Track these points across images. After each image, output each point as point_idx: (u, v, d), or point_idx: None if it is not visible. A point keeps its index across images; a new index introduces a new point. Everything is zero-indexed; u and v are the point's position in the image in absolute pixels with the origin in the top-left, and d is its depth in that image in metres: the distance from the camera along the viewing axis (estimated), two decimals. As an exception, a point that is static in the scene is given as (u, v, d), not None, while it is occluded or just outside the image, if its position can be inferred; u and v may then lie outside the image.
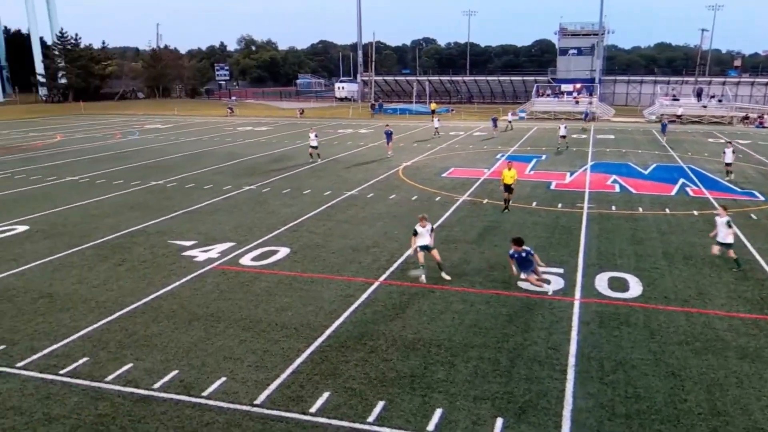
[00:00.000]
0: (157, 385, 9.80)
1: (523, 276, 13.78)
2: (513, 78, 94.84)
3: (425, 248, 14.67)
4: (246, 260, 16.04)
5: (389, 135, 36.09)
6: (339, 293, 13.73)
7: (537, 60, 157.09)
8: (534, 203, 22.85)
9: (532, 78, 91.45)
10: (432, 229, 14.89)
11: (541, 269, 14.17)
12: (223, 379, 10.00)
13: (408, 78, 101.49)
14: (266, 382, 9.88)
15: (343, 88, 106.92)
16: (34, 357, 10.77)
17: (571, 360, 10.62)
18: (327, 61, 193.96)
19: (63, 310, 12.84)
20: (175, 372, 10.22)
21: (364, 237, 18.27)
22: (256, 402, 9.32)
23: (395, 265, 15.65)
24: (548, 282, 14.17)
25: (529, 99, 78.75)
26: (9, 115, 73.78)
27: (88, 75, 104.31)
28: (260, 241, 17.86)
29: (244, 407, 9.19)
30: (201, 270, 15.29)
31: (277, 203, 22.97)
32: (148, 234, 18.75)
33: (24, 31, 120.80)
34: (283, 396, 9.49)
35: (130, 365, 10.46)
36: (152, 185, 26.78)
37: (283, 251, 16.84)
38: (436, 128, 48.03)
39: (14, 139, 47.53)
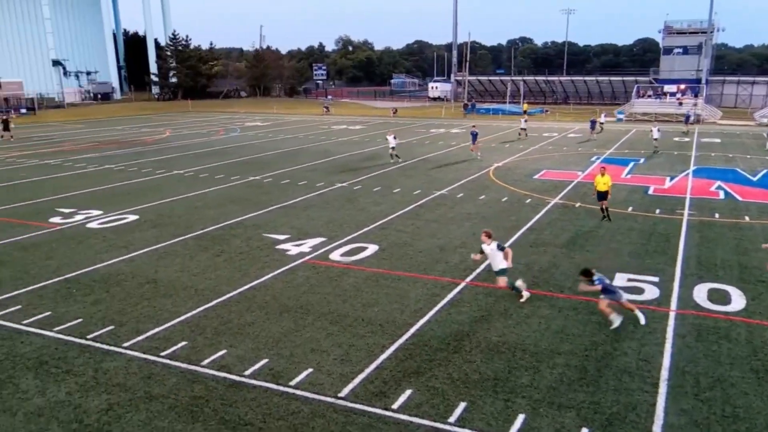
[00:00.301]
0: (247, 372, 10.16)
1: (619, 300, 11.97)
2: (612, 78, 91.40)
3: (501, 273, 13.13)
4: (336, 255, 16.33)
5: (475, 136, 35.65)
6: (425, 292, 13.72)
7: (638, 59, 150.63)
8: (630, 208, 21.95)
9: (632, 78, 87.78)
10: (502, 247, 13.17)
11: (634, 276, 13.55)
12: (310, 370, 10.24)
13: (502, 78, 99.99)
14: (350, 376, 10.03)
15: (436, 87, 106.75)
16: (139, 338, 11.43)
17: (664, 373, 10.13)
18: (421, 61, 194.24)
19: (166, 296, 13.55)
20: (265, 360, 10.56)
21: (452, 237, 18.17)
22: (340, 394, 9.48)
23: (482, 266, 15.46)
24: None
25: (628, 100, 75.64)
26: (125, 111, 78.64)
27: (196, 74, 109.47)
28: (350, 237, 18.15)
29: (329, 399, 9.37)
30: (293, 263, 15.71)
31: (367, 201, 23.25)
32: (246, 227, 19.46)
33: (141, 33, 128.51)
34: (366, 391, 9.60)
35: (224, 351, 10.90)
36: (251, 180, 27.78)
37: (372, 248, 17.02)
38: (523, 129, 46.97)
39: (128, 134, 50.60)
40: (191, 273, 15.06)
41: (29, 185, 27.03)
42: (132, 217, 20.77)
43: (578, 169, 30.73)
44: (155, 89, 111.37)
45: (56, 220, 20.49)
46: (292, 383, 9.81)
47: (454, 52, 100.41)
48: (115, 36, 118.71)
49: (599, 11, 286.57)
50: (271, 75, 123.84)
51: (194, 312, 12.64)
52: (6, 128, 46.73)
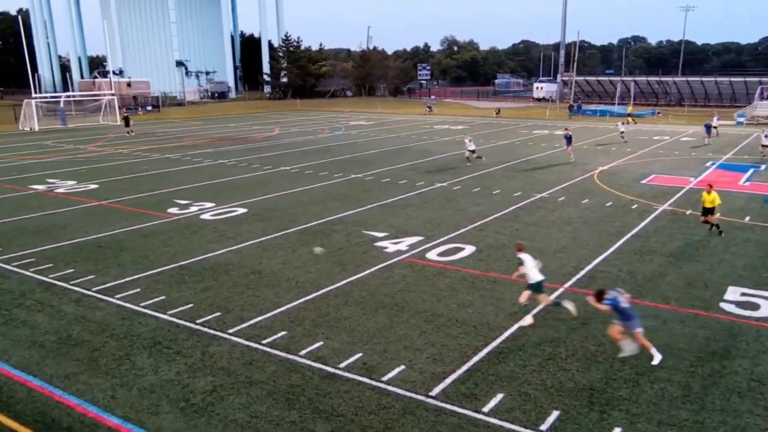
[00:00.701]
0: (342, 365, 10.36)
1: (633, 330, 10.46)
2: (733, 79, 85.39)
3: (537, 287, 12.04)
4: (432, 255, 16.32)
5: (569, 139, 34.27)
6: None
7: (763, 59, 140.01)
8: (747, 218, 20.46)
9: (755, 79, 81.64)
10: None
11: (749, 291, 12.61)
12: (402, 367, 10.30)
13: (611, 78, 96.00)
14: (442, 376, 9.99)
15: (541, 88, 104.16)
16: (243, 326, 11.94)
17: (778, 396, 9.38)
18: (527, 61, 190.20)
19: (268, 287, 14.07)
20: (359, 355, 10.73)
21: (552, 241, 17.68)
22: (431, 393, 9.47)
23: (582, 272, 14.95)
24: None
25: (750, 102, 70.46)
26: (238, 110, 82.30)
27: (305, 74, 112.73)
28: (447, 237, 18.07)
29: (420, 397, 9.38)
30: (390, 261, 15.85)
31: (466, 201, 23.06)
32: (346, 223, 19.84)
33: (256, 35, 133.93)
34: (457, 391, 9.53)
35: (320, 343, 11.18)
36: (352, 178, 28.28)
37: (469, 249, 16.87)
38: (621, 132, 44.75)
39: (241, 131, 52.91)
40: (293, 266, 15.54)
41: (151, 177, 28.88)
42: (241, 210, 21.71)
43: (691, 175, 28.99)
44: (267, 88, 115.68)
45: (173, 210, 21.77)
46: (385, 379, 9.91)
47: (562, 52, 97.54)
48: (232, 38, 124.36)
49: (721, 8, 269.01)
50: (376, 75, 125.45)
51: (294, 303, 13.04)
52: (127, 124, 50.36)
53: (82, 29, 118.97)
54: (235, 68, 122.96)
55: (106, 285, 14.16)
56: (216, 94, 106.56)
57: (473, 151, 32.71)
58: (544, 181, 27.32)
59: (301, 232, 18.82)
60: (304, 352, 10.84)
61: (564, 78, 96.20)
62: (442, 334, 11.57)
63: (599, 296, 10.65)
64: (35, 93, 58.93)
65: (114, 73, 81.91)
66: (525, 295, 12.10)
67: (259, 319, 12.26)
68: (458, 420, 8.78)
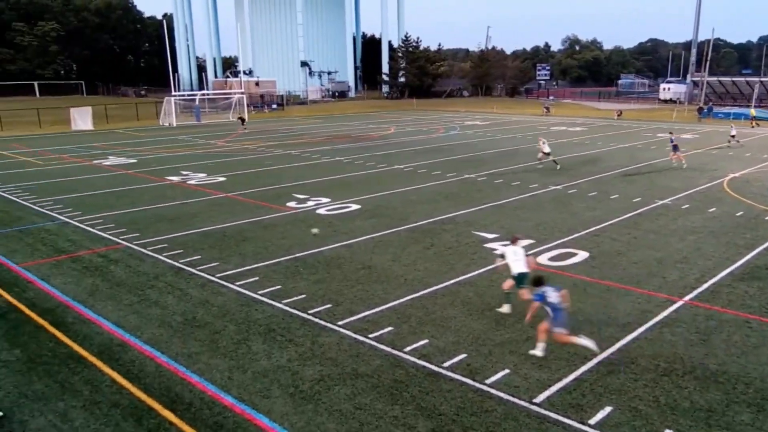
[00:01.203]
0: (446, 364, 10.33)
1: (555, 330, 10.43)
2: None
3: (519, 280, 11.99)
4: (543, 259, 15.87)
5: (675, 146, 31.65)
6: (636, 307, 12.76)
7: None
8: None
9: None
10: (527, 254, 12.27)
11: None
12: (507, 371, 10.10)
13: (748, 79, 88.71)
14: (548, 383, 9.70)
15: (668, 89, 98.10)
16: (351, 319, 12.21)
17: None
18: (654, 61, 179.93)
19: (378, 282, 14.29)
20: (464, 355, 10.64)
21: (672, 250, 16.64)
22: (535, 400, 9.22)
23: (705, 285, 13.95)
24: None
25: None
26: (357, 108, 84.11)
27: (423, 74, 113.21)
28: (559, 241, 17.50)
29: (523, 403, 9.17)
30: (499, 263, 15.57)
31: (581, 205, 22.22)
32: (456, 223, 19.74)
33: (377, 36, 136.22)
34: (563, 400, 9.22)
35: (425, 341, 11.20)
36: (465, 177, 28.08)
37: (582, 255, 16.25)
38: (732, 136, 41.04)
39: (358, 129, 54.05)
40: (402, 263, 15.68)
41: (273, 172, 30.19)
42: (354, 207, 22.19)
43: (837, 185, 26.22)
44: (385, 88, 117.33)
45: (292, 204, 22.64)
46: (488, 381, 9.77)
47: (693, 51, 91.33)
48: (354, 39, 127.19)
49: None
50: (493, 75, 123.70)
51: (402, 300, 13.16)
52: (242, 123, 53.32)
53: (218, 32, 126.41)
54: (355, 68, 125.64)
55: (228, 272, 14.98)
56: (336, 93, 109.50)
57: (548, 154, 31.37)
58: (666, 187, 25.77)
59: (412, 230, 18.94)
60: (409, 348, 10.91)
61: (695, 78, 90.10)
62: (550, 341, 11.21)
63: (536, 282, 10.69)
64: (174, 91, 63.32)
65: (244, 72, 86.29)
66: (508, 283, 12.33)
67: (368, 313, 12.47)
68: (562, 430, 8.49)
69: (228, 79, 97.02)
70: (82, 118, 56.56)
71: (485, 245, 17.14)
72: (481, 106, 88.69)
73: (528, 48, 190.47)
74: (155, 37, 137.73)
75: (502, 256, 12.59)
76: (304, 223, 19.73)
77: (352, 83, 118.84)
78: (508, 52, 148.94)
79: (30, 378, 10.09)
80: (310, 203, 22.79)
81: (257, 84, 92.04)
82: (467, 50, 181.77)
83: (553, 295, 10.43)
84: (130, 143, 43.87)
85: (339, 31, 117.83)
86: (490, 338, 11.33)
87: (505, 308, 12.39)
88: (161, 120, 60.75)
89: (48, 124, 57.70)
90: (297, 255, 16.27)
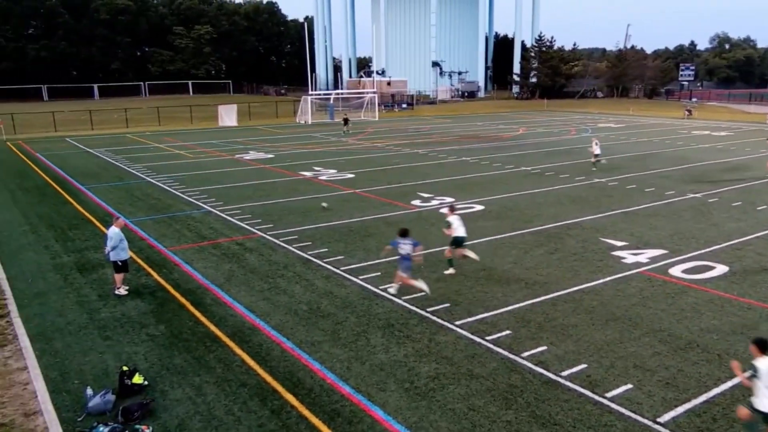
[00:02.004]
0: (564, 373, 9.96)
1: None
2: None
3: (460, 242, 14.90)
4: (676, 271, 14.84)
5: None
6: (781, 329, 11.59)
7: None
8: None
9: None
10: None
11: None
12: (629, 386, 9.57)
13: None
14: (674, 403, 9.07)
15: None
16: (469, 319, 12.11)
17: None
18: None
19: (498, 284, 14.06)
20: (584, 366, 10.21)
21: (829, 270, 14.92)
22: (659, 419, 8.66)
23: None
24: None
25: None
26: (487, 109, 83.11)
27: (555, 74, 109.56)
28: (695, 253, 16.27)
29: (646, 421, 8.64)
30: (627, 272, 14.79)
31: (722, 216, 20.51)
32: (583, 228, 18.96)
33: (510, 36, 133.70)
34: (690, 423, 8.59)
35: (544, 348, 10.87)
36: (594, 182, 26.88)
37: (720, 269, 15.00)
38: None
39: (486, 130, 53.39)
40: (524, 266, 15.32)
41: (400, 170, 30.59)
42: (478, 207, 21.96)
43: None
44: (515, 88, 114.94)
45: (417, 202, 22.82)
46: (609, 395, 9.31)
47: None
48: (486, 39, 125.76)
49: None
50: (631, 75, 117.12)
51: (522, 304, 12.86)
52: (345, 123, 54.05)
53: (355, 33, 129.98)
54: (486, 68, 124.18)
55: (352, 266, 15.40)
56: (466, 93, 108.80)
57: (598, 156, 30.13)
58: (826, 199, 23.14)
59: (536, 233, 18.44)
60: (526, 354, 10.64)
61: None
62: (679, 358, 10.49)
63: (401, 233, 13.55)
64: (311, 90, 66.05)
65: (377, 73, 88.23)
66: (449, 251, 14.91)
67: (486, 315, 12.32)
68: (688, 454, 7.90)
69: (361, 78, 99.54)
70: (228, 115, 60.53)
71: (613, 253, 16.32)
72: (616, 108, 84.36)
73: (671, 47, 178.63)
74: (296, 39, 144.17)
75: (449, 225, 15.05)
76: (427, 222, 19.84)
77: (482, 83, 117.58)
78: (649, 51, 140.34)
79: (172, 352, 10.97)
80: (434, 202, 22.85)
81: (389, 84, 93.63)
82: (604, 50, 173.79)
83: (405, 247, 13.27)
84: (269, 139, 46.30)
85: (471, 31, 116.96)
86: (613, 350, 10.78)
87: (450, 270, 14.79)
88: (298, 118, 63.54)
89: (198, 120, 62.31)
90: (419, 253, 16.34)
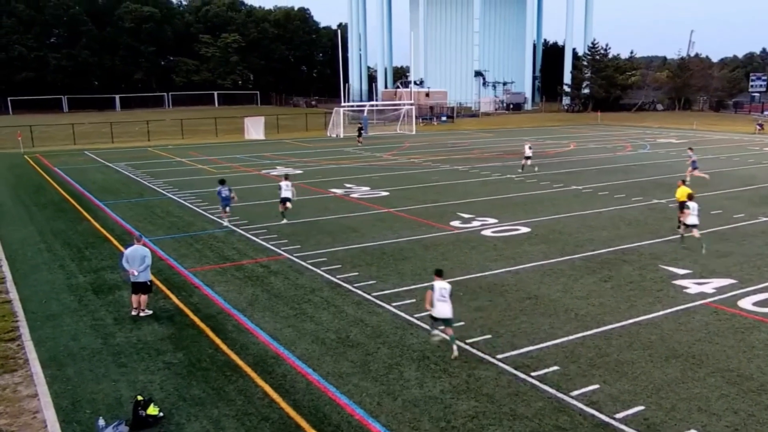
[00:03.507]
0: (619, 416, 9.72)
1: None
2: None
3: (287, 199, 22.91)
4: (746, 303, 14.41)
5: None
6: None
7: None
8: None
9: None
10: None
11: None
12: (693, 431, 9.27)
13: None
14: (744, 453, 8.75)
15: None
16: (512, 353, 11.94)
17: None
18: None
19: (544, 315, 13.85)
20: (641, 407, 9.95)
21: None
22: (727, 471, 8.36)
23: None
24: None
25: None
26: (533, 122, 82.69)
27: (609, 85, 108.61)
28: (769, 284, 15.80)
29: (712, 472, 8.34)
30: (690, 304, 14.43)
31: (800, 242, 19.90)
32: (640, 254, 18.61)
33: (560, 44, 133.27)
34: (763, 476, 8.26)
35: (596, 386, 10.63)
36: (654, 203, 26.40)
37: (798, 302, 14.52)
38: None
39: (534, 145, 53.05)
40: (574, 295, 15.07)
41: (439, 188, 30.56)
42: (523, 229, 21.75)
43: None
44: (565, 100, 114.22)
45: (456, 223, 22.73)
46: (669, 441, 9.03)
47: None
48: (534, 46, 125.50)
49: None
50: (695, 86, 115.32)
51: (571, 337, 12.63)
52: (359, 135, 55.33)
53: (391, 41, 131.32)
54: (534, 78, 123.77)
55: (385, 291, 15.37)
56: (511, 105, 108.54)
57: (528, 158, 32.26)
58: None
59: (588, 259, 18.17)
60: (576, 393, 10.42)
61: None
62: (750, 401, 10.14)
63: (220, 182, 22.63)
64: (344, 102, 66.70)
65: (415, 83, 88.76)
66: (282, 206, 22.09)
67: (531, 348, 12.13)
68: None
69: (398, 89, 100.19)
70: (254, 128, 61.51)
71: (674, 282, 15.96)
72: (678, 122, 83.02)
73: (739, 55, 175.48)
74: (329, 47, 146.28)
75: (280, 188, 23.14)
76: (467, 245, 19.73)
77: (528, 94, 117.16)
78: (715, 59, 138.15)
79: (189, 382, 11.06)
80: (475, 223, 22.74)
81: (427, 95, 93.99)
82: (664, 58, 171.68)
83: (224, 191, 22.41)
84: (298, 154, 46.82)
85: (518, 38, 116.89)
86: (674, 390, 10.48)
87: (284, 221, 22.01)
88: (329, 131, 64.16)
89: (223, 133, 63.44)
90: (458, 278, 16.26)
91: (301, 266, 17.70)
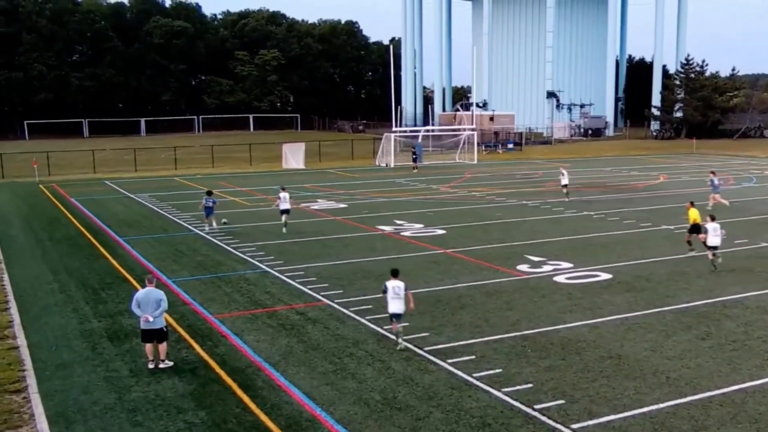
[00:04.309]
0: (720, 503, 9.30)
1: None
2: None
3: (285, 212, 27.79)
4: None
5: None
6: None
7: None
8: None
9: None
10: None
11: None
12: None
13: None
14: None
15: None
16: (590, 422, 11.61)
17: None
18: None
19: (629, 378, 13.47)
20: (747, 494, 9.50)
21: None
22: None
23: None
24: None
25: None
26: (615, 150, 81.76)
27: (707, 108, 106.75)
28: None
29: None
30: (808, 369, 13.84)
31: None
32: (746, 307, 18.03)
33: (647, 60, 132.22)
34: None
35: (691, 466, 10.22)
36: (762, 247, 25.68)
37: None
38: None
39: (615, 177, 52.40)
40: (664, 355, 14.66)
41: (503, 226, 30.37)
42: (603, 276, 21.35)
43: None
44: (654, 125, 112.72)
45: (523, 267, 22.48)
46: None
47: None
48: (617, 63, 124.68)
49: None
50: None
51: (661, 405, 12.24)
52: (414, 161, 57.53)
53: (451, 57, 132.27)
54: (616, 100, 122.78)
55: (439, 346, 15.22)
56: (589, 131, 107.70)
57: (565, 186, 32.78)
58: None
59: (681, 311, 17.69)
60: (667, 473, 10.04)
61: None
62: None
63: (208, 192, 29.64)
64: (396, 126, 67.20)
65: (477, 105, 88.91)
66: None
67: (612, 417, 11.79)
68: None
69: (458, 112, 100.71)
70: (293, 156, 62.54)
71: (787, 342, 15.35)
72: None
73: None
74: (379, 65, 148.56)
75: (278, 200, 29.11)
76: (537, 293, 19.47)
77: (610, 118, 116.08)
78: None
79: (212, 445, 11.09)
80: (546, 267, 22.45)
81: (491, 119, 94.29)
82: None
83: (209, 202, 29.50)
84: (342, 185, 47.32)
85: (598, 54, 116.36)
86: (788, 475, 10.00)
87: (284, 230, 27.56)
88: (378, 159, 64.75)
89: (258, 161, 64.73)
90: (525, 332, 16.03)
91: (343, 314, 17.71)
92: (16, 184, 50.03)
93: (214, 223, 29.86)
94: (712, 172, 37.58)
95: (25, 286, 21.22)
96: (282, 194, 28.87)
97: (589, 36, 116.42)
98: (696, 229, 23.63)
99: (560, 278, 21.15)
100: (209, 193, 30.20)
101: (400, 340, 15.24)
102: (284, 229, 28.57)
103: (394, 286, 15.38)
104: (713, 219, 22.41)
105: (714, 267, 21.71)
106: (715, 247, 21.75)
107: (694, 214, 24.12)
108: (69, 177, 54.23)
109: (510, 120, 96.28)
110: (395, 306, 15.26)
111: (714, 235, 21.78)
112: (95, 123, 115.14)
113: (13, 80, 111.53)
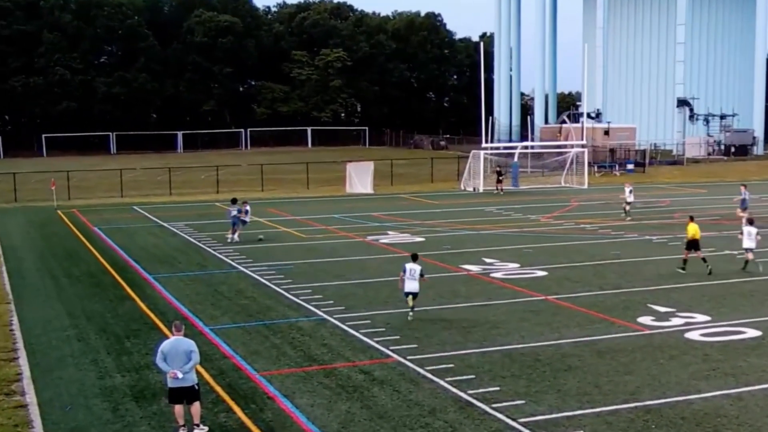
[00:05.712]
0: None
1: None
2: None
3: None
4: None
5: None
6: None
7: None
8: None
9: None
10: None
11: None
12: None
13: None
14: None
15: None
16: None
17: None
18: None
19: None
20: None
21: None
22: None
23: None
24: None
25: None
26: (763, 173, 79.46)
27: None
28: None
29: None
30: None
31: None
32: None
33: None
34: None
35: None
36: None
37: None
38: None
39: (766, 207, 50.89)
40: (831, 438, 14.04)
41: (621, 267, 29.82)
42: (751, 332, 20.69)
43: None
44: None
45: (646, 320, 21.97)
46: None
47: None
48: None
49: None
50: None
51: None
52: (499, 180, 58.36)
53: (555, 57, 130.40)
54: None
55: (538, 417, 14.94)
56: (732, 148, 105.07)
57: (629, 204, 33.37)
58: None
59: None
60: None
61: None
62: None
63: (233, 201, 35.06)
64: (485, 142, 66.99)
65: (589, 116, 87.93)
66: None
67: None
68: None
69: (563, 124, 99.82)
70: (359, 178, 62.85)
71: None
72: None
73: None
74: (467, 67, 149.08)
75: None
76: (663, 353, 18.97)
77: (759, 132, 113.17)
78: None
79: None
80: (675, 321, 21.91)
81: (607, 132, 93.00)
82: None
83: (233, 210, 35.50)
84: (419, 214, 47.36)
85: (743, 52, 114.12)
86: None
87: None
88: (463, 183, 64.51)
89: (317, 184, 65.36)
90: (647, 403, 15.62)
91: (417, 374, 17.58)
92: (31, 209, 51.67)
93: (236, 236, 33.97)
94: (743, 185, 42.47)
95: (37, 332, 21.79)
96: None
97: (731, 29, 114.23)
98: (694, 245, 27.98)
99: (694, 334, 20.57)
100: (233, 201, 35.24)
101: (411, 313, 21.76)
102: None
103: (411, 268, 21.76)
104: (751, 223, 29.39)
105: (746, 264, 28.78)
106: (748, 249, 28.95)
107: (693, 230, 28.01)
108: (92, 201, 55.81)
109: (630, 134, 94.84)
110: (411, 286, 21.76)
111: (749, 239, 28.79)
112: (124, 137, 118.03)
113: (32, 86, 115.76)
